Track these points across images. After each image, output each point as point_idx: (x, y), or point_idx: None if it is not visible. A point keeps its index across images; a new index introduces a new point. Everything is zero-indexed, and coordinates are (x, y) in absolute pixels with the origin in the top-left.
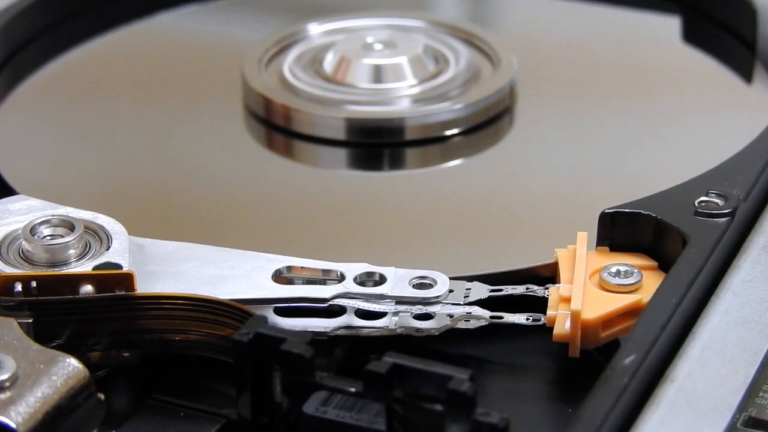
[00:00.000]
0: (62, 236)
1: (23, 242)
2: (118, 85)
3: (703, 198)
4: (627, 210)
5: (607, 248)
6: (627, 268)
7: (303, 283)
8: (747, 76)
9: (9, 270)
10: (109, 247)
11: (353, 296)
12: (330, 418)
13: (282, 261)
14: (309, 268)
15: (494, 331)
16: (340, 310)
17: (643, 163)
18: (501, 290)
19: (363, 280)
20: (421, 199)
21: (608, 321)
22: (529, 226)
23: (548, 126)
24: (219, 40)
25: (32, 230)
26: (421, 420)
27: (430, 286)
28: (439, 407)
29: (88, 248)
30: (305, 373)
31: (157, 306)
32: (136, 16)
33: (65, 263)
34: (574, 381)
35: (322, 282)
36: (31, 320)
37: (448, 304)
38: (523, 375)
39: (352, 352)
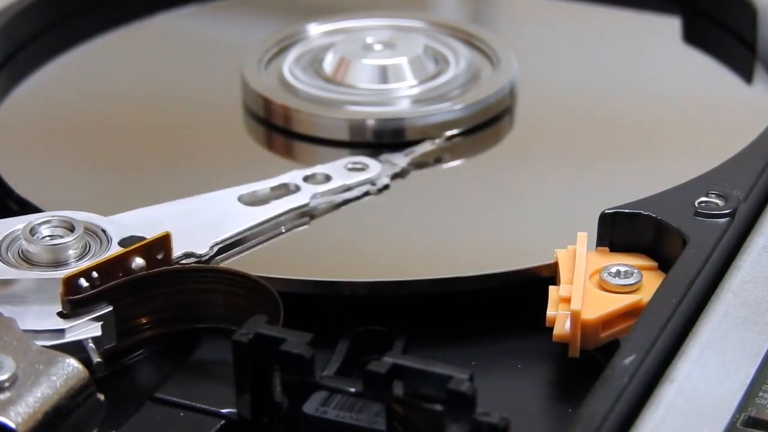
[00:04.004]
0: (62, 236)
1: (23, 242)
2: (118, 86)
3: (703, 198)
4: (627, 210)
5: (607, 248)
6: (627, 269)
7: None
8: (747, 76)
9: (12, 271)
10: (109, 246)
11: (325, 194)
12: (330, 418)
13: (237, 190)
14: (268, 188)
15: (494, 331)
16: None
17: (643, 163)
18: (412, 152)
19: (314, 183)
20: (421, 200)
21: (608, 321)
22: (529, 226)
23: (548, 126)
24: (219, 40)
25: (32, 230)
26: (421, 420)
27: (363, 169)
28: (439, 407)
29: (87, 249)
30: (305, 373)
31: (214, 278)
32: (136, 16)
33: (65, 263)
34: (574, 381)
35: (284, 195)
36: (111, 308)
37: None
38: (523, 375)
39: (353, 351)
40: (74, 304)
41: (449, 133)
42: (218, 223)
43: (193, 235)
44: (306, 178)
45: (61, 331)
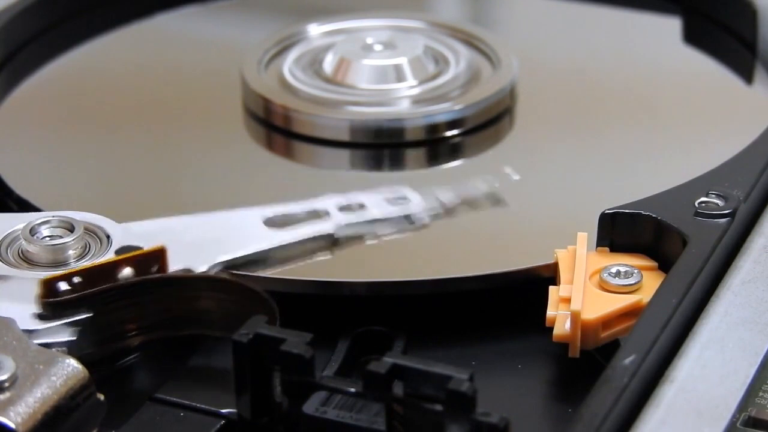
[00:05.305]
0: (61, 237)
1: (23, 242)
2: (118, 86)
3: (704, 198)
4: (627, 210)
5: (607, 249)
6: (627, 269)
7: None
8: (747, 76)
9: (12, 270)
10: (108, 249)
11: (354, 225)
12: (330, 418)
13: (265, 210)
14: (297, 211)
15: (494, 331)
16: None
17: (643, 163)
18: (464, 188)
19: (348, 211)
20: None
21: (608, 321)
22: (529, 226)
23: (548, 127)
24: (219, 41)
25: (32, 230)
26: (421, 420)
27: (402, 202)
28: (439, 407)
29: (87, 249)
30: (305, 373)
31: (205, 286)
32: (135, 17)
33: (65, 264)
34: (574, 381)
35: (313, 220)
36: (91, 314)
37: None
38: (523, 375)
39: (353, 351)
40: (52, 306)
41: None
42: (232, 241)
43: (199, 250)
44: (341, 208)
45: (34, 333)
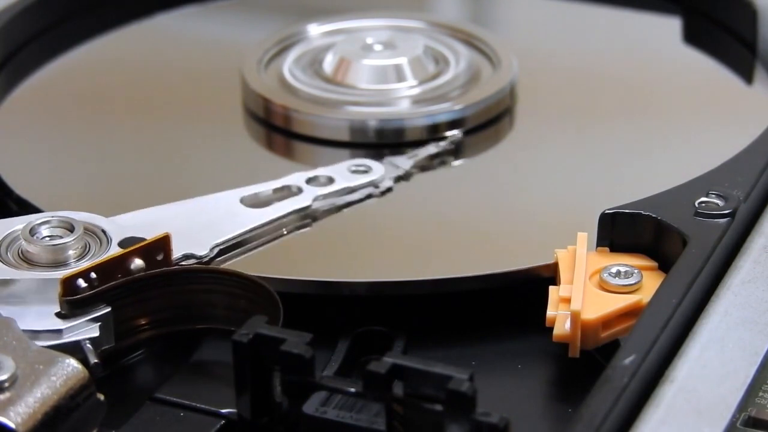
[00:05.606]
0: (61, 237)
1: (23, 242)
2: (118, 86)
3: (704, 198)
4: (627, 210)
5: (607, 249)
6: (627, 269)
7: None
8: (747, 76)
9: (12, 271)
10: (110, 245)
11: (327, 196)
12: (330, 418)
13: (240, 192)
14: (270, 190)
15: (494, 331)
16: None
17: (643, 163)
18: (416, 155)
19: (316, 185)
20: (421, 200)
21: (608, 321)
22: (529, 226)
23: (548, 127)
24: (218, 41)
25: (32, 231)
26: (421, 420)
27: (366, 171)
28: (439, 407)
29: (87, 249)
30: (305, 373)
31: (213, 279)
32: (135, 17)
33: (65, 264)
34: (574, 381)
35: (286, 197)
36: (109, 309)
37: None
38: (523, 375)
39: (353, 351)
40: (72, 304)
41: (450, 133)
42: (219, 224)
43: (193, 236)
44: (309, 180)
45: (58, 332)
